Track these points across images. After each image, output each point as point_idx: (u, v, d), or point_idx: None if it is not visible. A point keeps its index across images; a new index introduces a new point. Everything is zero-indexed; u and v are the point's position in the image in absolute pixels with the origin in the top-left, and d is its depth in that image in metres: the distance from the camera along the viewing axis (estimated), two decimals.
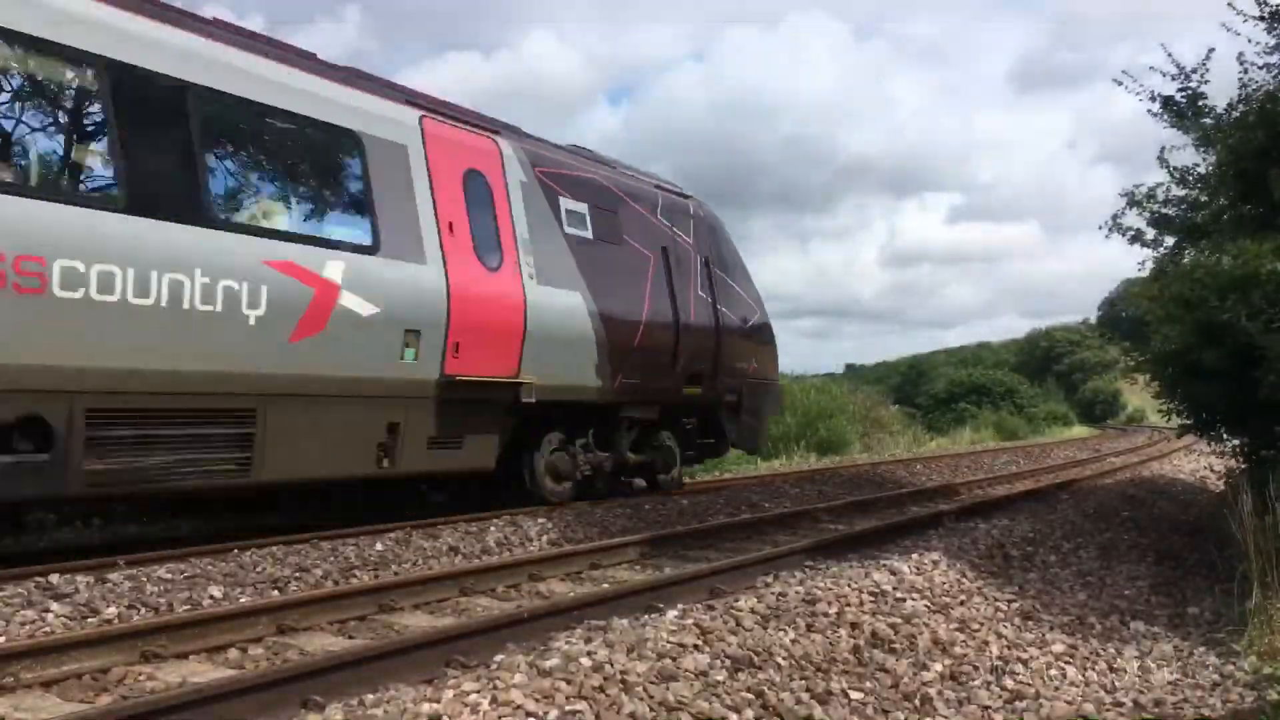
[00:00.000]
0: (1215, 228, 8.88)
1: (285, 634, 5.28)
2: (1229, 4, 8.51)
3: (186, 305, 6.74)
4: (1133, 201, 9.73)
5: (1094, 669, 5.25)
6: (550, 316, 9.81)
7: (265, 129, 8.01)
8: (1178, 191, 9.57)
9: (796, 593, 5.56)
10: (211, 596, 5.82)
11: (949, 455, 21.95)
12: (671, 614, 4.94)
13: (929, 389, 60.48)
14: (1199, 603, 6.86)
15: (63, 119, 7.15)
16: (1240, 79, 8.76)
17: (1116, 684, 5.05)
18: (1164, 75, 9.18)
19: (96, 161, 7.20)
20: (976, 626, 5.60)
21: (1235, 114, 8.70)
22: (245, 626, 5.21)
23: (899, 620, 5.36)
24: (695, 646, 4.44)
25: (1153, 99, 9.23)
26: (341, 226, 8.25)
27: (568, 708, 3.61)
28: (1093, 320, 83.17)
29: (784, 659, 4.53)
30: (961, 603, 6.02)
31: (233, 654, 4.94)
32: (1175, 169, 9.47)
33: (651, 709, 3.75)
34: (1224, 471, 10.02)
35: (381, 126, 8.51)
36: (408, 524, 8.24)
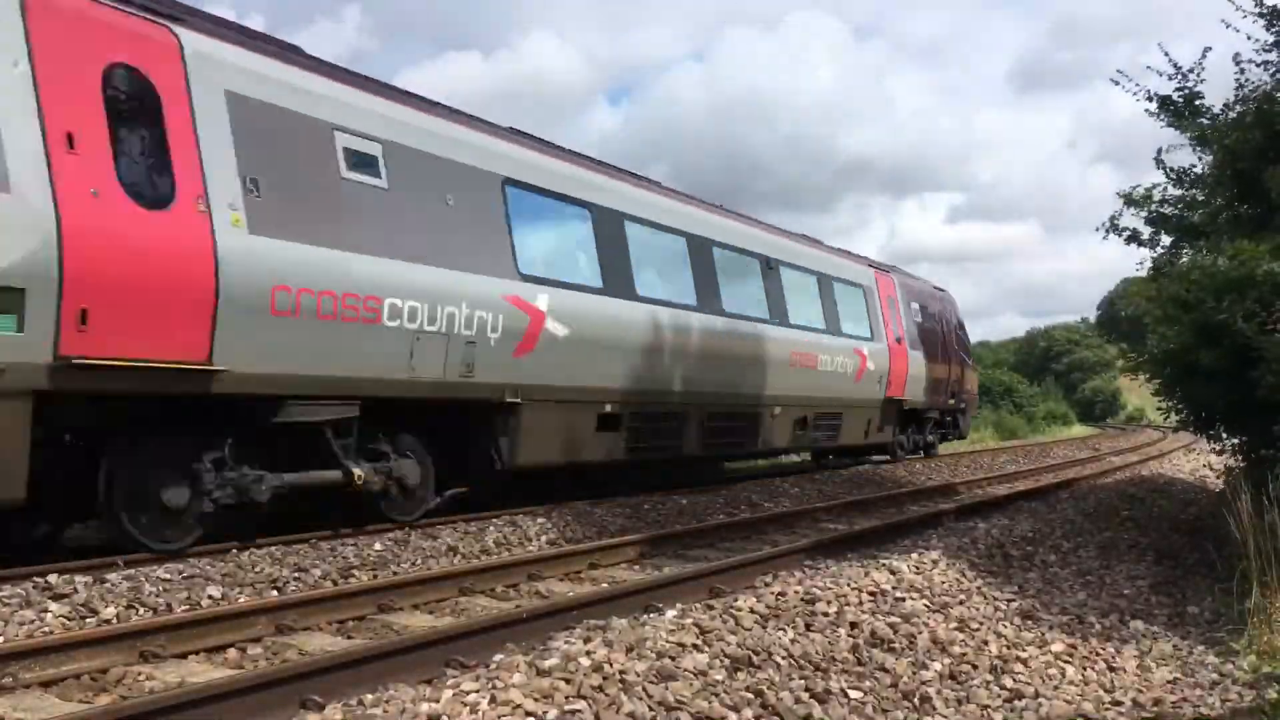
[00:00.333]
0: (1212, 228, 8.89)
1: (284, 634, 5.28)
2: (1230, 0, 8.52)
3: None
4: (1130, 201, 9.73)
5: (1093, 668, 5.25)
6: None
7: None
8: (1175, 191, 9.59)
9: (796, 592, 5.56)
10: (210, 597, 5.82)
11: (948, 454, 21.97)
12: (671, 613, 4.94)
13: None
14: (1198, 602, 6.87)
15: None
16: (1237, 79, 8.78)
17: (1116, 683, 5.05)
18: (1160, 75, 9.20)
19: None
20: (976, 626, 5.60)
21: (1232, 114, 8.71)
22: (244, 626, 5.21)
23: (898, 620, 5.36)
24: (694, 646, 4.44)
25: (1149, 99, 9.24)
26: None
27: (567, 707, 3.61)
28: (1092, 319, 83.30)
29: (783, 658, 4.53)
30: (961, 602, 6.02)
31: (231, 654, 4.94)
32: (1172, 170, 9.48)
33: (651, 708, 3.75)
34: (1223, 470, 10.02)
35: None
36: (407, 524, 8.24)
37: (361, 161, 7.99)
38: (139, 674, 4.54)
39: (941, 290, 21.41)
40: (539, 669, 3.90)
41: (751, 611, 5.06)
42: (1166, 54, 9.18)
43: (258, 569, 6.53)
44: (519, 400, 9.27)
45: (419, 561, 7.25)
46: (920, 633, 5.23)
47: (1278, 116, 8.09)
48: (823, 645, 4.80)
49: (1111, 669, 5.26)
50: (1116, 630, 5.95)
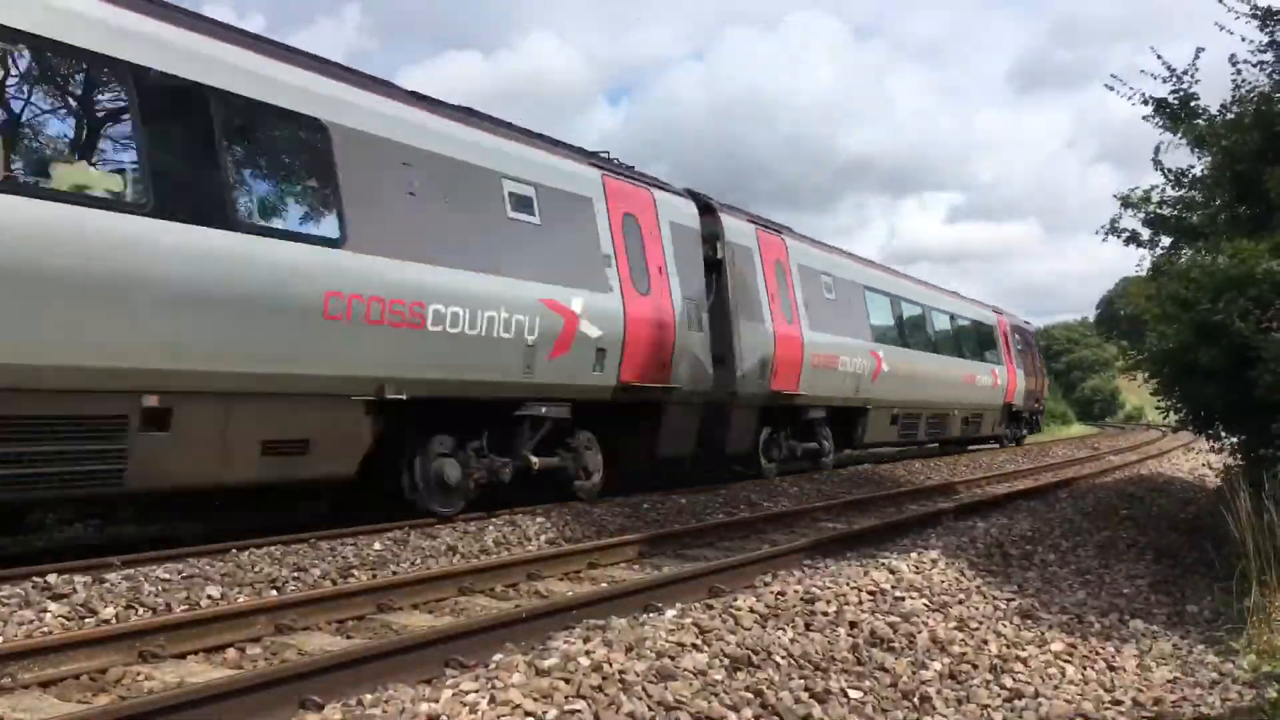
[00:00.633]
0: (1211, 228, 8.89)
1: (283, 634, 5.27)
2: (1220, 1, 8.53)
3: None
4: (1127, 204, 9.74)
5: (1093, 667, 5.25)
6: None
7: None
8: (1173, 193, 9.59)
9: (795, 592, 5.56)
10: (209, 596, 5.82)
11: (949, 454, 21.99)
12: (670, 613, 4.94)
13: None
14: (1198, 601, 6.87)
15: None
16: (1233, 80, 8.78)
17: (1115, 682, 5.05)
18: (1155, 78, 9.19)
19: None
20: (975, 625, 5.60)
21: (1229, 115, 8.71)
22: (243, 626, 5.20)
23: (898, 619, 5.36)
24: (694, 646, 4.44)
25: (1145, 102, 9.23)
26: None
27: (566, 707, 3.61)
28: (1091, 319, 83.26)
29: (783, 658, 4.53)
30: (960, 601, 6.02)
31: (231, 654, 4.94)
32: (1170, 171, 9.48)
33: (650, 708, 3.75)
34: (1221, 469, 10.03)
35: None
36: (405, 523, 8.24)
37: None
38: (138, 674, 4.53)
39: (1027, 322, 30.45)
40: (538, 669, 3.90)
41: (751, 611, 5.06)
42: (1159, 56, 9.18)
43: (257, 569, 6.53)
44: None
45: (418, 561, 7.25)
46: (920, 632, 5.23)
47: (1276, 117, 8.10)
48: (822, 645, 4.80)
49: (1111, 668, 5.26)
50: (1116, 629, 5.95)
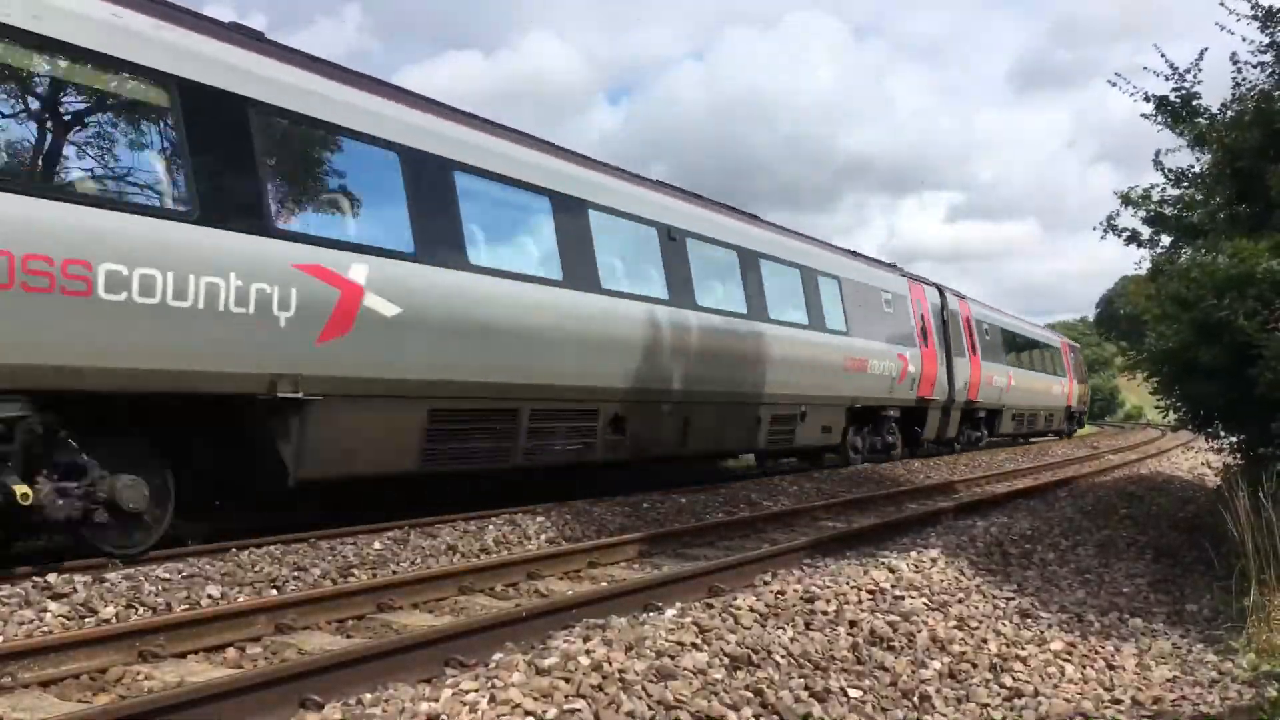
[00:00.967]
0: (1211, 226, 8.90)
1: (283, 633, 5.27)
2: (1220, 3, 8.53)
3: None
4: (1127, 201, 9.74)
5: (1092, 666, 5.26)
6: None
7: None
8: (1173, 191, 9.60)
9: (795, 591, 5.56)
10: (209, 596, 5.81)
11: (947, 455, 22.00)
12: (670, 612, 4.94)
13: None
14: (1197, 600, 6.87)
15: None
16: (1234, 78, 8.78)
17: (1115, 681, 5.06)
18: (1157, 75, 9.19)
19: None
20: (975, 624, 5.60)
21: (1230, 113, 8.71)
22: (243, 626, 5.20)
23: (897, 618, 5.36)
24: (694, 645, 4.44)
25: (1146, 100, 9.24)
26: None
27: (566, 706, 3.61)
28: (1091, 318, 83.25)
29: (783, 657, 4.53)
30: (960, 600, 6.02)
31: (231, 653, 4.94)
32: (1170, 170, 9.49)
33: (650, 707, 3.75)
34: (1221, 468, 10.03)
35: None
36: (405, 523, 8.24)
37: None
38: (138, 673, 4.53)
39: (1076, 342, 39.71)
40: (538, 668, 3.90)
41: (751, 610, 5.06)
42: (1163, 55, 9.19)
43: (257, 568, 6.53)
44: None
45: (418, 560, 7.25)
46: (919, 631, 5.24)
47: (1277, 115, 8.10)
48: (822, 644, 4.80)
49: (1111, 667, 5.27)
50: (1115, 628, 5.96)
